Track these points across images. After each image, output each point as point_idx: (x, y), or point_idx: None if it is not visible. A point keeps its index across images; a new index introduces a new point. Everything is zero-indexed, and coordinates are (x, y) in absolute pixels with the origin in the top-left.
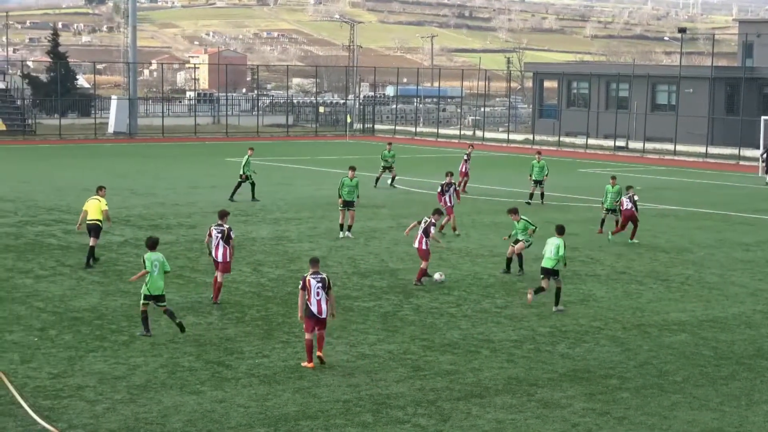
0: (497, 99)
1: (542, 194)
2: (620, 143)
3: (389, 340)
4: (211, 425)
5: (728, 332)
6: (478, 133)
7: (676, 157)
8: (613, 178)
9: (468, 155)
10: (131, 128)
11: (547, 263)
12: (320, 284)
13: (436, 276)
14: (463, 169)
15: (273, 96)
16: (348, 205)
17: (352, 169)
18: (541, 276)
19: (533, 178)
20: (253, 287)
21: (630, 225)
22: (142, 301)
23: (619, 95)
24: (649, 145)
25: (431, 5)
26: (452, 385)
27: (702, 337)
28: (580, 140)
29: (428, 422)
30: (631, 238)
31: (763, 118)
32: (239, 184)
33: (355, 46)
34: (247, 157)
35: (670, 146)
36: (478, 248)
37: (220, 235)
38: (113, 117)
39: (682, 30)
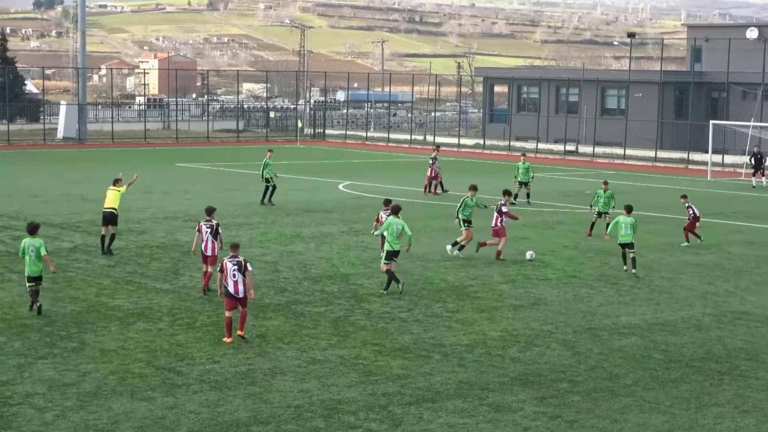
0: (448, 104)
1: (528, 194)
2: (570, 148)
3: (340, 345)
4: None
5: (678, 335)
6: (429, 138)
7: (625, 162)
8: (605, 183)
9: (432, 159)
10: (81, 134)
11: (625, 239)
12: (236, 267)
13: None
14: (430, 173)
15: (223, 101)
16: (468, 223)
17: (474, 189)
18: (623, 252)
19: (518, 179)
20: (203, 292)
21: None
22: (27, 283)
23: (569, 100)
24: (599, 150)
25: (381, 10)
26: (404, 390)
27: (652, 340)
28: (530, 145)
29: (380, 427)
30: (687, 241)
31: (711, 122)
32: (268, 188)
33: (306, 51)
34: (266, 160)
35: (619, 150)
36: (430, 253)
37: (209, 230)
38: (62, 122)
39: (631, 35)
